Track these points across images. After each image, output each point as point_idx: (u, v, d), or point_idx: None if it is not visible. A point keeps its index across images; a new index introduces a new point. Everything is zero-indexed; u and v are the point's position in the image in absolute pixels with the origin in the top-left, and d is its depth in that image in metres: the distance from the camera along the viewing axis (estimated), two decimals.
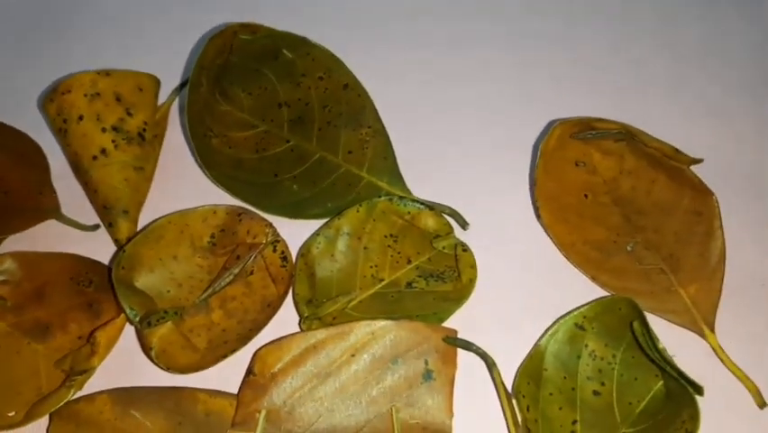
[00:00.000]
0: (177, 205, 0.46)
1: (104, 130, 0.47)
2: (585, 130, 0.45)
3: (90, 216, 0.48)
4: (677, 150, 0.43)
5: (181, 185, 0.50)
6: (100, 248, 0.46)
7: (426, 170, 0.48)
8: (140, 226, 0.47)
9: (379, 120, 0.49)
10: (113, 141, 0.47)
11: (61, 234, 0.47)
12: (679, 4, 0.56)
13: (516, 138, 0.49)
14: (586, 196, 0.46)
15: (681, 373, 0.36)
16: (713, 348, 0.41)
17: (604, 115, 0.44)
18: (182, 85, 0.52)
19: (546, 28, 0.55)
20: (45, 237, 0.47)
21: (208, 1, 0.59)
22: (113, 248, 0.47)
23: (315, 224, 0.46)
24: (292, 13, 0.57)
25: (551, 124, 0.45)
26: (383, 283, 0.45)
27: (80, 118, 0.47)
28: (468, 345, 0.40)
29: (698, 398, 0.36)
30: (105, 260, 0.46)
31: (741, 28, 0.55)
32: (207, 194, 0.48)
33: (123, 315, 0.42)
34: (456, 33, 0.55)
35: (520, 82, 0.52)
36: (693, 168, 0.44)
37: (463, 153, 0.49)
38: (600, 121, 0.44)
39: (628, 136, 0.45)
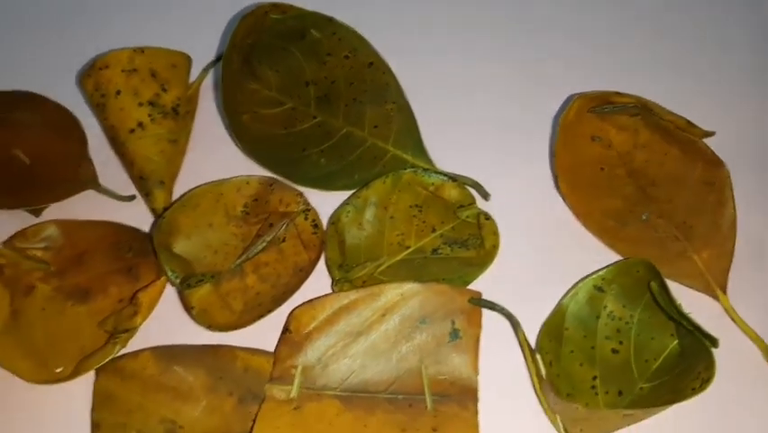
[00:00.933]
0: (208, 176, 0.48)
1: (140, 104, 0.50)
2: (603, 104, 0.47)
3: (125, 186, 0.50)
4: (690, 122, 0.46)
5: (212, 157, 0.51)
6: (135, 217, 0.48)
7: (449, 144, 0.50)
8: (174, 197, 0.49)
9: (403, 96, 0.51)
10: (149, 115, 0.49)
11: (99, 204, 0.49)
12: None
13: (536, 112, 0.51)
14: (602, 168, 0.49)
15: (697, 327, 0.38)
16: (725, 309, 0.43)
17: (621, 89, 0.46)
18: (212, 63, 0.54)
19: (566, 6, 0.57)
20: (84, 207, 0.49)
21: None
22: (148, 217, 0.49)
23: (342, 195, 0.49)
24: None
25: (570, 97, 0.47)
26: (409, 250, 0.47)
27: (118, 93, 0.49)
28: (492, 306, 0.43)
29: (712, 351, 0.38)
30: (141, 228, 0.48)
31: (753, 1, 0.57)
32: (237, 166, 0.50)
33: (163, 278, 0.44)
34: (477, 11, 0.57)
35: (540, 58, 0.54)
36: (705, 140, 0.46)
37: (485, 127, 0.51)
38: (618, 95, 0.46)
39: (643, 110, 0.47)
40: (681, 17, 0.56)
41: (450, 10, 0.57)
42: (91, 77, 0.50)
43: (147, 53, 0.50)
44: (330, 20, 0.52)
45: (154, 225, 0.47)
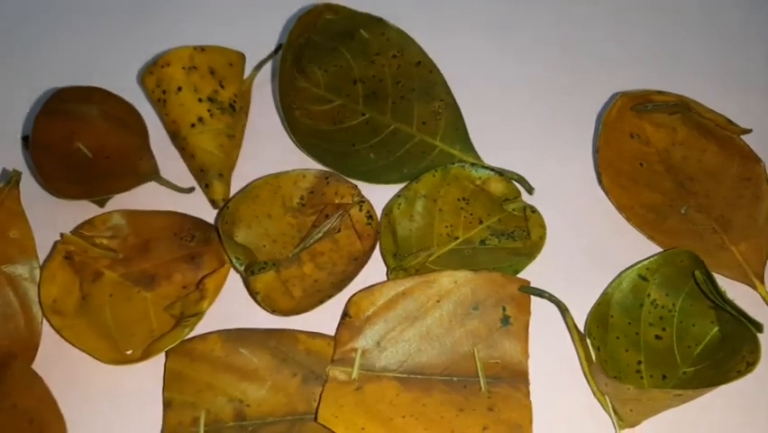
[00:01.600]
0: (261, 169, 0.51)
1: (200, 100, 0.52)
2: (644, 102, 0.49)
3: (182, 179, 0.52)
4: (729, 120, 0.48)
5: (264, 151, 0.54)
6: (194, 208, 0.50)
7: (495, 139, 0.52)
8: (230, 189, 0.52)
9: (450, 94, 0.53)
10: (208, 110, 0.52)
11: (159, 196, 0.52)
12: None
13: (579, 109, 0.53)
14: (641, 164, 0.51)
15: (742, 313, 0.40)
16: (763, 298, 0.45)
17: (664, 87, 0.48)
18: (263, 61, 0.57)
19: (611, 5, 0.60)
20: (145, 198, 0.51)
21: None
22: (205, 208, 0.51)
23: (389, 188, 0.51)
24: None
25: (614, 96, 0.49)
26: (458, 241, 0.49)
27: (179, 89, 0.52)
28: (542, 293, 0.45)
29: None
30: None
31: None
32: (289, 159, 0.52)
33: (227, 265, 0.47)
34: (523, 10, 0.60)
35: (585, 56, 0.57)
36: (742, 137, 0.49)
37: (529, 123, 0.54)
38: (659, 94, 0.49)
39: (683, 108, 0.49)
40: (723, 17, 0.59)
41: (496, 10, 0.60)
42: (153, 74, 0.52)
43: (207, 51, 0.52)
44: (380, 20, 0.55)
45: (218, 215, 0.49)
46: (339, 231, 0.49)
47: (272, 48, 0.57)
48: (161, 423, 0.42)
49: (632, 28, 0.58)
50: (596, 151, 0.50)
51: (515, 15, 0.59)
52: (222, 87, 0.53)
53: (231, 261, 0.46)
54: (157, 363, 0.44)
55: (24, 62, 0.58)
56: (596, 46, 0.57)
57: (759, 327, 0.40)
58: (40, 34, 0.60)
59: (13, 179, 0.45)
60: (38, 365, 0.45)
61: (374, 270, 0.48)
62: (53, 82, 0.54)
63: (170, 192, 0.52)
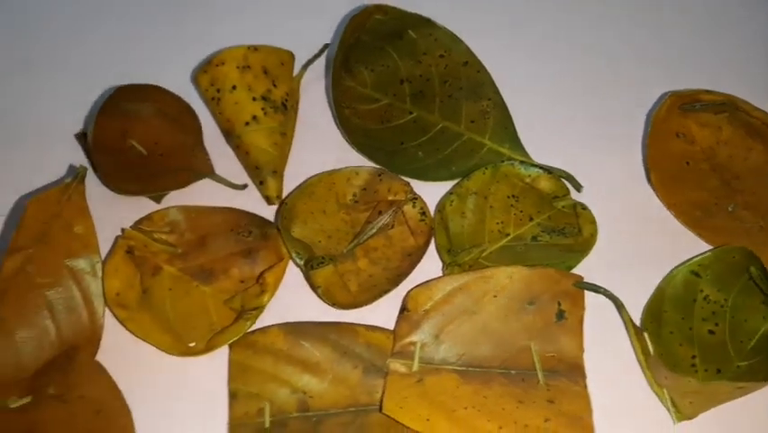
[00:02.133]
0: (310, 167, 0.52)
1: (254, 99, 0.53)
2: (693, 102, 0.50)
3: (235, 177, 0.53)
4: None
5: (311, 149, 0.54)
6: (246, 204, 0.51)
7: (543, 138, 0.53)
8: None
9: (498, 93, 0.54)
10: (262, 108, 0.53)
11: (212, 193, 0.52)
12: None
13: (628, 108, 0.54)
14: (687, 163, 0.52)
15: None
16: None
17: (713, 86, 0.49)
18: (311, 60, 0.58)
19: (664, 4, 0.61)
20: (198, 195, 0.52)
21: None
22: (257, 204, 0.52)
23: (439, 185, 0.52)
24: None
25: (664, 95, 0.50)
26: (509, 237, 0.50)
27: (233, 88, 0.53)
28: (597, 289, 0.46)
29: None
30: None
31: None
32: (337, 157, 0.53)
33: (285, 259, 0.48)
34: (572, 12, 0.61)
35: (635, 55, 0.58)
36: None
37: (578, 122, 0.54)
38: (707, 93, 0.50)
39: (731, 107, 0.50)
40: None
41: (544, 9, 0.61)
42: (207, 72, 0.53)
43: (260, 51, 0.53)
44: (428, 21, 0.55)
45: (277, 211, 0.50)
46: (392, 227, 0.50)
47: (316, 48, 0.58)
48: (227, 414, 0.43)
49: (681, 28, 0.59)
50: (644, 149, 0.51)
51: (563, 17, 0.60)
52: (274, 85, 0.54)
53: (291, 255, 0.47)
54: (217, 355, 0.45)
55: (82, 61, 0.59)
56: (645, 46, 0.58)
57: None
58: (97, 34, 0.61)
59: (79, 174, 0.45)
60: (100, 358, 0.46)
61: (428, 265, 0.49)
62: (110, 81, 0.55)
63: (223, 189, 0.53)
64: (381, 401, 0.42)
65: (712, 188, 0.51)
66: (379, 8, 0.55)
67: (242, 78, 0.53)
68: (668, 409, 0.42)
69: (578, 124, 0.55)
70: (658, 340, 0.45)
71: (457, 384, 0.43)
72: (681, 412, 0.42)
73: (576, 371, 0.44)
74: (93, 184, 0.51)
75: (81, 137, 0.54)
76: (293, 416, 0.43)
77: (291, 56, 0.55)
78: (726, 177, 0.51)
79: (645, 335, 0.44)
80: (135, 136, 0.53)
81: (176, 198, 0.52)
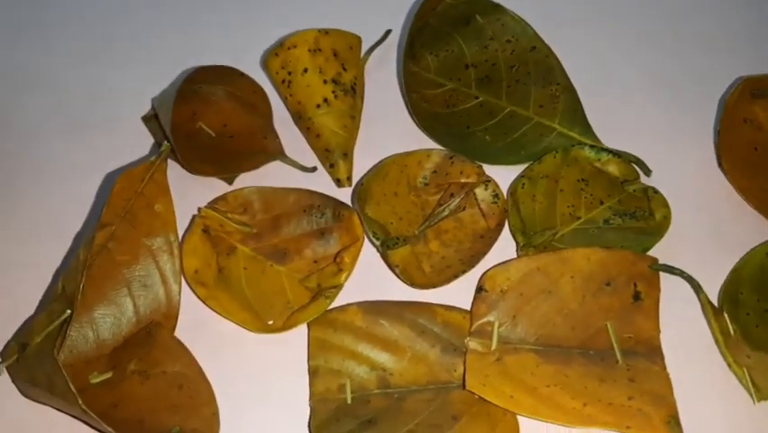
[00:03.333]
0: (377, 151, 0.52)
1: (325, 82, 0.53)
2: (764, 86, 0.50)
3: (304, 160, 0.54)
4: None
5: (377, 133, 0.55)
6: (314, 187, 0.52)
7: (613, 122, 0.53)
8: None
9: (567, 78, 0.54)
10: (333, 92, 0.53)
11: (282, 175, 0.53)
12: None
13: (699, 93, 0.54)
14: (756, 149, 0.52)
15: None
16: None
17: None
18: (376, 44, 0.58)
19: None
20: (269, 177, 0.53)
21: None
22: (326, 187, 0.52)
23: (507, 169, 0.52)
24: None
25: (737, 80, 0.50)
26: (580, 221, 0.50)
27: (305, 71, 0.53)
28: (673, 270, 0.46)
29: None
30: None
31: None
32: (403, 141, 0.54)
33: (361, 239, 0.48)
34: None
35: (708, 41, 0.58)
36: None
37: (648, 107, 0.55)
38: None
39: None
40: None
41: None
42: (278, 56, 0.53)
43: (330, 34, 0.54)
44: (497, 6, 0.56)
45: (353, 192, 0.51)
46: (463, 210, 0.50)
47: (380, 33, 0.59)
48: (308, 390, 0.43)
49: (753, 13, 0.59)
50: (716, 134, 0.51)
51: (634, 2, 0.61)
52: (344, 69, 0.54)
53: (368, 236, 0.48)
54: (295, 333, 0.46)
55: (156, 46, 0.60)
56: (716, 32, 0.59)
57: None
58: (170, 19, 0.62)
59: (163, 152, 0.46)
60: (178, 335, 0.46)
61: (502, 247, 0.49)
62: (182, 65, 0.55)
63: (292, 172, 0.53)
64: (464, 379, 0.43)
65: None
66: None
67: (314, 61, 0.53)
68: (747, 390, 0.43)
69: (647, 108, 0.55)
70: (735, 321, 0.45)
71: (536, 363, 0.43)
72: (762, 391, 0.42)
73: (654, 351, 0.44)
74: (168, 165, 0.52)
75: (150, 120, 0.55)
76: (374, 392, 0.43)
77: (359, 40, 0.55)
78: None
79: (726, 316, 0.44)
80: (206, 118, 0.54)
81: (247, 180, 0.52)
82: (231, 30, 0.61)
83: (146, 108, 0.55)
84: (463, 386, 0.42)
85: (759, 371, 0.42)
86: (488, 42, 0.56)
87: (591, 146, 0.52)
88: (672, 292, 0.46)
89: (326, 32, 0.54)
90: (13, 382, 0.43)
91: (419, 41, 0.56)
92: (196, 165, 0.51)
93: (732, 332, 0.44)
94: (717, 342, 0.45)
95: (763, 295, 0.46)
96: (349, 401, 0.43)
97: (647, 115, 0.54)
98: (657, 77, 0.56)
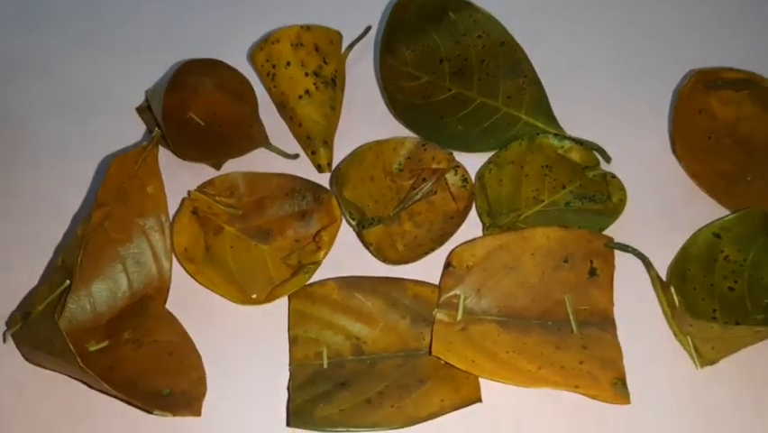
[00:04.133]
0: (355, 139, 0.56)
1: (306, 74, 0.57)
2: (716, 79, 0.54)
3: (288, 147, 0.57)
4: None
5: (356, 122, 0.59)
6: (296, 172, 0.55)
7: (576, 112, 0.57)
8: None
9: (533, 71, 0.58)
10: (314, 83, 0.57)
11: (267, 161, 0.57)
12: None
13: (656, 84, 0.58)
14: (709, 137, 0.55)
15: None
16: None
17: (738, 64, 0.53)
18: (356, 39, 0.62)
19: None
20: (254, 163, 0.56)
21: None
22: (307, 172, 0.56)
23: (477, 156, 0.56)
24: None
25: (690, 72, 0.54)
26: (544, 203, 0.54)
27: (288, 64, 0.57)
28: (626, 248, 0.50)
29: None
30: None
31: None
32: (380, 130, 0.57)
33: (339, 220, 0.52)
34: None
35: (661, 34, 0.62)
36: None
37: (608, 97, 0.59)
38: (730, 71, 0.53)
39: (751, 85, 0.54)
40: None
41: None
42: (263, 50, 0.57)
43: (312, 30, 0.57)
44: (468, 3, 0.59)
45: (332, 176, 0.54)
46: (435, 193, 0.54)
47: (361, 28, 0.63)
48: (288, 357, 0.47)
49: (707, 8, 0.64)
50: (670, 123, 0.55)
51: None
52: (325, 62, 0.58)
53: (345, 216, 0.51)
54: (276, 305, 0.49)
55: (148, 39, 0.64)
56: (673, 25, 0.63)
57: None
58: (160, 14, 0.66)
59: (154, 138, 0.50)
60: (169, 307, 0.50)
61: (470, 227, 0.53)
62: (172, 58, 0.59)
63: (276, 158, 0.57)
64: (430, 346, 0.46)
65: (734, 160, 0.55)
66: None
67: (296, 55, 0.57)
68: (691, 356, 0.46)
69: (608, 99, 0.59)
70: (682, 295, 0.48)
71: (498, 332, 0.47)
72: (704, 357, 0.46)
73: (607, 321, 0.48)
74: (160, 151, 0.56)
75: (143, 110, 0.59)
76: (348, 359, 0.47)
77: (339, 35, 0.59)
78: (746, 150, 0.55)
79: (672, 289, 0.48)
80: (195, 108, 0.58)
81: (234, 166, 0.56)
82: (219, 25, 0.65)
83: (140, 99, 0.59)
84: (430, 352, 0.46)
85: (701, 339, 0.46)
86: (460, 38, 0.60)
87: (555, 135, 0.56)
88: (626, 268, 0.50)
89: (308, 27, 0.57)
90: (17, 347, 0.47)
91: (396, 36, 0.60)
92: (186, 151, 0.55)
93: (677, 304, 0.47)
94: (664, 313, 0.48)
95: (709, 271, 0.49)
96: (325, 366, 0.47)
97: (608, 105, 0.58)
98: (617, 69, 0.60)
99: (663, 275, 0.50)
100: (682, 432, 0.45)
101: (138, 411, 0.45)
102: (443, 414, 0.44)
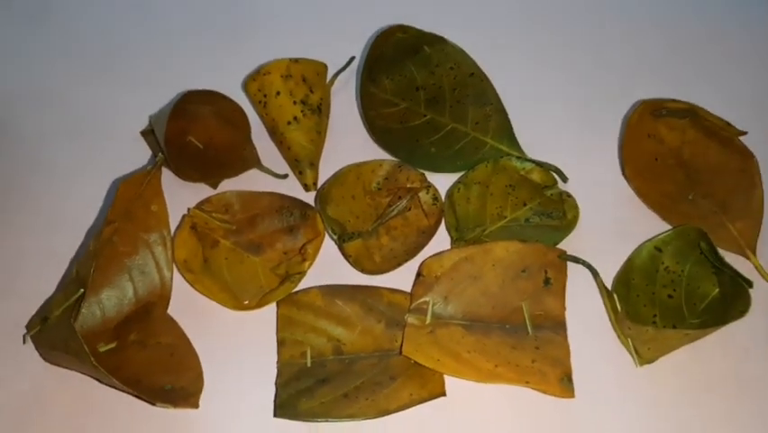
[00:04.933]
0: (339, 161, 0.62)
1: (294, 103, 0.63)
2: (661, 109, 0.60)
3: (278, 168, 0.63)
4: (728, 123, 0.59)
5: (339, 146, 0.65)
6: (286, 191, 0.62)
7: (536, 137, 0.63)
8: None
9: (499, 99, 0.64)
10: (301, 111, 0.63)
11: (258, 181, 0.63)
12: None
13: (608, 113, 0.65)
14: (656, 159, 0.62)
15: (736, 273, 0.51)
16: (755, 266, 0.56)
17: (679, 95, 0.60)
18: (340, 70, 0.68)
19: (638, 25, 0.73)
20: (247, 183, 0.63)
21: (368, 3, 0.76)
22: (295, 191, 0.62)
23: (449, 176, 0.62)
24: (436, 16, 0.73)
25: (637, 102, 0.60)
26: (506, 219, 0.60)
27: (278, 93, 0.63)
28: (577, 260, 0.56)
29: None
30: None
31: None
32: (362, 152, 0.64)
33: (322, 234, 0.58)
34: (563, 31, 0.72)
35: (613, 68, 0.69)
36: (740, 138, 0.59)
37: (566, 124, 0.65)
38: (673, 102, 0.60)
39: (692, 114, 0.60)
40: (731, 39, 0.71)
41: (541, 30, 0.72)
42: (255, 80, 0.63)
43: (300, 63, 0.64)
44: (441, 39, 0.66)
45: (316, 195, 0.61)
46: (409, 210, 0.60)
47: (344, 60, 0.69)
48: (276, 357, 0.53)
49: (652, 45, 0.71)
50: (620, 147, 0.61)
51: (556, 37, 0.72)
52: (311, 92, 0.64)
53: (328, 231, 0.58)
54: (266, 311, 0.55)
55: (151, 72, 0.71)
56: (622, 60, 0.69)
57: (750, 284, 0.50)
58: (163, 50, 0.73)
59: (158, 162, 0.56)
60: (170, 313, 0.56)
61: (439, 240, 0.59)
62: (175, 89, 0.66)
63: (267, 178, 0.63)
64: (401, 347, 0.52)
65: (678, 181, 0.61)
66: (400, 27, 0.65)
67: (285, 86, 0.63)
68: (632, 355, 0.53)
69: (565, 125, 0.65)
70: (626, 302, 0.55)
71: (462, 335, 0.53)
72: (643, 357, 0.52)
73: (559, 325, 0.54)
74: (162, 172, 0.62)
75: (147, 134, 0.65)
76: (329, 358, 0.53)
77: (325, 67, 0.65)
78: (689, 171, 0.61)
79: (615, 296, 0.54)
80: (194, 133, 0.64)
81: (229, 185, 0.62)
82: (216, 59, 0.71)
83: (144, 124, 0.65)
84: (400, 352, 0.52)
85: (639, 340, 0.52)
86: (434, 69, 0.66)
87: (518, 157, 0.62)
88: (577, 278, 0.56)
89: (296, 60, 0.64)
90: (36, 348, 0.53)
91: (377, 67, 0.66)
92: (186, 172, 0.61)
93: (620, 310, 0.54)
94: (609, 318, 0.55)
95: (651, 281, 0.56)
96: (309, 365, 0.53)
97: (565, 131, 0.65)
98: (574, 99, 0.67)
99: (611, 285, 0.56)
100: (623, 423, 0.51)
101: (143, 405, 0.51)
102: (411, 406, 0.51)
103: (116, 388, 0.49)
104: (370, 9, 0.75)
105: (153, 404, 0.49)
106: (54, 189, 0.63)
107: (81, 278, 0.52)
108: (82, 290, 0.51)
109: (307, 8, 0.76)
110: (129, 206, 0.55)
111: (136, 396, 0.50)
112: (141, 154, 0.64)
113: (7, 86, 0.70)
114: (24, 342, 0.54)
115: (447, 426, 0.51)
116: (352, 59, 0.70)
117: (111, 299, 0.56)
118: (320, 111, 0.64)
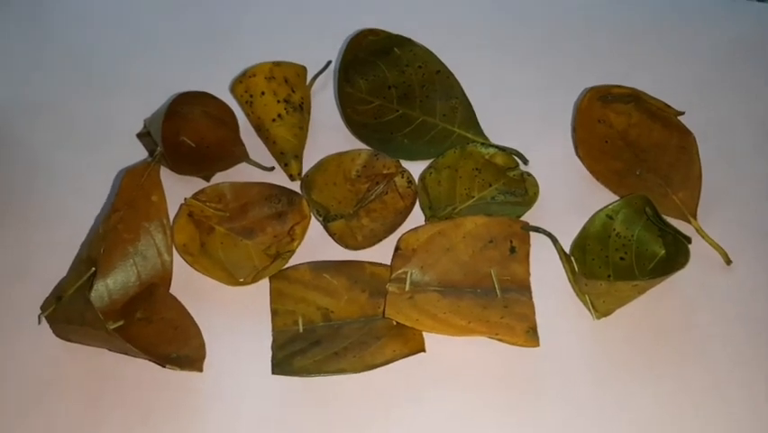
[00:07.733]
0: (320, 153, 0.68)
1: (278, 102, 0.69)
2: (607, 94, 0.67)
3: (265, 161, 0.69)
4: (668, 105, 0.66)
5: (320, 139, 0.71)
6: (273, 182, 0.67)
7: (499, 125, 0.70)
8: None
9: (463, 93, 0.71)
10: (285, 109, 0.69)
11: (248, 173, 0.69)
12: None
13: (561, 100, 0.72)
14: (606, 141, 0.69)
15: (677, 231, 0.58)
16: (695, 229, 0.63)
17: (622, 81, 0.67)
18: (319, 72, 0.74)
19: (582, 17, 0.81)
20: (237, 175, 0.68)
21: (343, 10, 0.82)
22: (281, 181, 0.68)
23: (421, 163, 0.68)
24: (402, 20, 0.79)
25: (585, 90, 0.67)
26: (474, 199, 0.66)
27: (262, 93, 0.69)
28: (537, 229, 0.62)
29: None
30: None
31: (723, 24, 0.79)
32: (340, 145, 0.70)
33: (308, 217, 0.64)
34: (518, 27, 0.80)
35: (566, 60, 0.76)
36: (679, 117, 0.66)
37: (525, 112, 0.72)
38: (618, 87, 0.67)
39: (635, 98, 0.67)
40: (669, 29, 0.79)
41: (500, 28, 0.80)
42: (242, 82, 0.69)
43: (282, 66, 0.70)
44: (409, 40, 0.72)
45: (302, 183, 0.66)
46: (386, 193, 0.66)
47: (322, 63, 0.75)
48: (270, 325, 0.59)
49: (599, 36, 0.78)
50: (573, 131, 0.68)
51: (513, 33, 0.79)
52: (293, 91, 0.70)
53: (314, 214, 0.63)
54: (260, 286, 0.61)
55: (145, 77, 0.77)
56: (572, 52, 0.77)
57: (688, 240, 0.57)
58: (154, 56, 0.79)
59: (157, 156, 0.61)
60: (173, 292, 0.61)
61: (414, 219, 0.65)
62: (167, 92, 0.71)
63: (255, 170, 0.69)
64: (384, 311, 0.58)
65: (625, 159, 0.68)
66: (371, 31, 0.72)
67: (269, 86, 0.69)
68: (589, 310, 0.59)
69: (524, 113, 0.72)
70: (583, 265, 0.61)
71: (438, 299, 0.59)
72: (599, 311, 0.59)
73: (524, 288, 0.60)
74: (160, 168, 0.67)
75: (142, 136, 0.71)
76: (319, 324, 0.59)
77: (304, 69, 0.72)
78: (635, 150, 0.68)
79: (573, 259, 0.61)
80: (187, 133, 0.70)
81: (221, 178, 0.68)
82: (205, 64, 0.77)
83: (140, 127, 0.71)
84: (383, 315, 0.58)
85: (595, 295, 0.58)
86: (404, 68, 0.73)
87: (482, 143, 0.68)
88: (539, 246, 0.63)
89: (279, 64, 0.70)
90: (50, 326, 0.58)
91: (352, 68, 0.73)
92: (181, 167, 0.67)
93: (577, 270, 0.60)
94: (568, 278, 0.61)
95: (604, 245, 0.62)
96: (301, 331, 0.58)
97: (524, 118, 0.72)
98: (531, 89, 0.74)
99: (569, 250, 0.62)
100: (582, 371, 0.57)
101: (152, 375, 0.56)
102: (394, 361, 0.56)
103: (128, 353, 0.55)
104: (344, 15, 0.81)
105: (163, 366, 0.55)
106: (59, 188, 0.68)
107: (92, 258, 0.58)
108: (93, 268, 0.57)
109: (287, 15, 0.82)
110: (132, 195, 0.61)
111: (148, 359, 0.55)
112: (138, 155, 0.70)
113: (7, 94, 0.76)
114: (39, 322, 0.59)
115: (428, 377, 0.57)
116: (329, 62, 0.76)
117: (117, 283, 0.61)
118: (302, 108, 0.70)
